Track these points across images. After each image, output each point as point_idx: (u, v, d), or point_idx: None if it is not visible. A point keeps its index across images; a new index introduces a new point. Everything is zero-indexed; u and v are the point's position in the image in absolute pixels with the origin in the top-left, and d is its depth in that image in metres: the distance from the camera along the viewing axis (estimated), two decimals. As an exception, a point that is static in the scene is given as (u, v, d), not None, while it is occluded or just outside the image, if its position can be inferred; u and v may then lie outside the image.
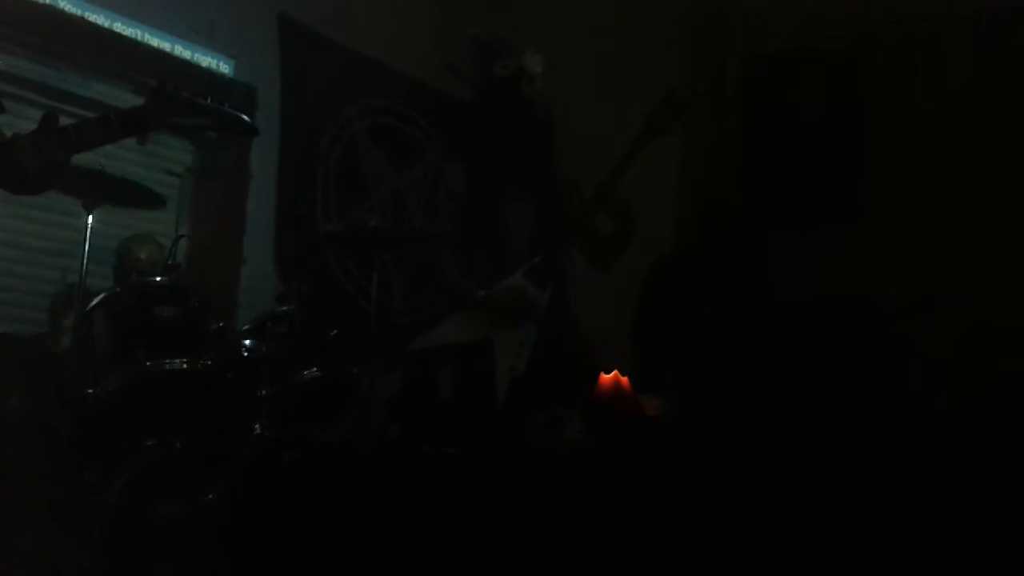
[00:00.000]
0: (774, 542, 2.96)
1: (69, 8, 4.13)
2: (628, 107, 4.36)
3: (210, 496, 2.98)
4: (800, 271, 4.76)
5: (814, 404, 3.59)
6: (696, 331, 4.05)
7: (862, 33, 4.94)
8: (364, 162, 5.29)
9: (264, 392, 3.38)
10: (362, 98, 5.27)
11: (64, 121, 2.42)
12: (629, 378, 3.40)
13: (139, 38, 4.38)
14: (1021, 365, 4.22)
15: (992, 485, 3.36)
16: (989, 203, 4.51)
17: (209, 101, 2.52)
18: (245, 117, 2.64)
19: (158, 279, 3.61)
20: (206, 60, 4.63)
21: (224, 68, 4.70)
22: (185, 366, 3.29)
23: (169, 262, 3.70)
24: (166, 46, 4.48)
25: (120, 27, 4.31)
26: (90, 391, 3.17)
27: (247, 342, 3.61)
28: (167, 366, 3.26)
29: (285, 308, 3.75)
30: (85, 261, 3.25)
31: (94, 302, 3.33)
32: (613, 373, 3.38)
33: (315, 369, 3.57)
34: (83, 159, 2.71)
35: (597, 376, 3.40)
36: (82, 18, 4.17)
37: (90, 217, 3.29)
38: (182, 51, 4.53)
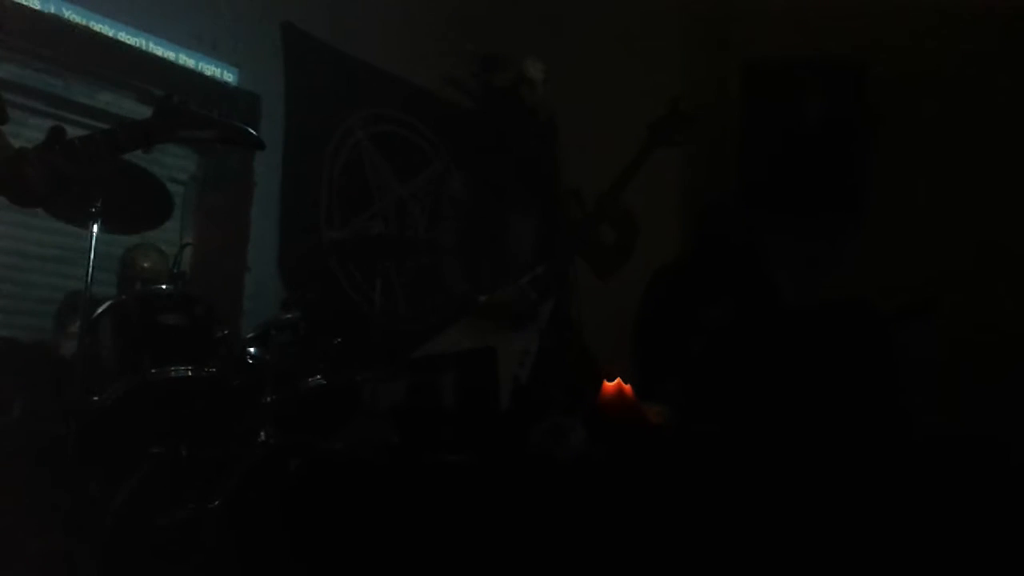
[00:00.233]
0: (777, 549, 2.97)
1: (74, 18, 4.15)
2: (631, 114, 4.38)
3: (215, 503, 3.00)
4: (801, 277, 4.77)
5: (816, 410, 3.59)
6: (698, 338, 4.06)
7: (863, 39, 4.95)
8: (368, 170, 5.31)
9: (269, 400, 3.39)
10: (366, 107, 5.29)
11: (69, 130, 2.44)
12: (632, 386, 3.40)
13: (144, 47, 4.40)
14: (1022, 370, 4.22)
15: (992, 488, 3.36)
16: (990, 207, 4.52)
17: (215, 114, 2.53)
18: (251, 130, 2.65)
19: (163, 287, 3.62)
20: (210, 69, 4.65)
21: (228, 77, 4.72)
22: (190, 374, 3.29)
23: (174, 270, 3.71)
24: (170, 55, 4.50)
25: (125, 36, 4.33)
26: (95, 399, 3.19)
27: (252, 350, 3.61)
28: (172, 374, 3.27)
29: (289, 316, 3.75)
30: (90, 270, 3.27)
31: (100, 310, 3.34)
32: (616, 381, 3.39)
33: (319, 377, 3.58)
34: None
35: (600, 384, 3.41)
36: (87, 27, 4.20)
37: (95, 226, 3.30)
38: (186, 60, 4.56)
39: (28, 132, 3.56)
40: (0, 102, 2.44)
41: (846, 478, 3.18)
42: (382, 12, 5.27)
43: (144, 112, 2.58)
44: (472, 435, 3.87)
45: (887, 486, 3.20)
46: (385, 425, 3.92)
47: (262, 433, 3.34)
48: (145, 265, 4.04)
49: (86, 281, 3.24)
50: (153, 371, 3.24)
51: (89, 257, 3.25)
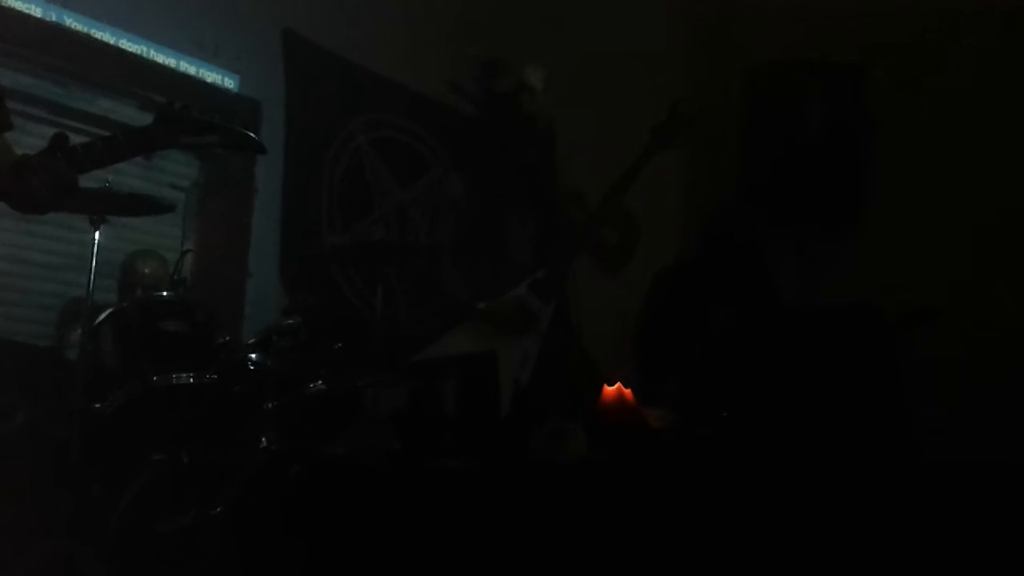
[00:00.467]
0: (779, 554, 2.96)
1: (75, 25, 4.16)
2: (633, 117, 4.38)
3: (217, 509, 3.00)
4: (803, 280, 4.77)
5: (818, 414, 3.59)
6: (699, 342, 4.06)
7: (865, 43, 4.95)
8: (369, 176, 5.32)
9: (270, 405, 3.39)
10: (366, 112, 5.30)
11: (71, 137, 2.44)
12: (632, 390, 3.40)
13: (144, 54, 4.41)
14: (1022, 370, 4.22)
15: (992, 492, 3.35)
16: (992, 211, 4.52)
17: (216, 119, 2.54)
18: (253, 135, 2.66)
19: (164, 294, 3.63)
20: (211, 76, 4.66)
21: (229, 83, 4.73)
22: (191, 380, 3.31)
23: (175, 276, 3.72)
24: (171, 62, 4.51)
25: (126, 43, 4.34)
26: (97, 405, 3.20)
27: (253, 356, 3.62)
28: (174, 380, 3.28)
29: (290, 321, 3.76)
30: (92, 276, 3.27)
31: (101, 317, 3.35)
32: (616, 385, 3.39)
33: (320, 382, 3.58)
34: (89, 175, 2.73)
35: (600, 388, 3.41)
36: (88, 35, 4.21)
37: (97, 233, 3.31)
38: (187, 67, 4.57)
39: (30, 139, 3.57)
40: (3, 109, 2.45)
41: (849, 482, 3.18)
42: (382, 17, 5.28)
43: (145, 119, 2.57)
44: (473, 440, 3.87)
45: (889, 491, 3.20)
46: (386, 430, 3.92)
47: (263, 439, 3.34)
48: (146, 271, 4.05)
49: (88, 288, 3.26)
50: (155, 378, 3.26)
51: (91, 264, 3.27)
